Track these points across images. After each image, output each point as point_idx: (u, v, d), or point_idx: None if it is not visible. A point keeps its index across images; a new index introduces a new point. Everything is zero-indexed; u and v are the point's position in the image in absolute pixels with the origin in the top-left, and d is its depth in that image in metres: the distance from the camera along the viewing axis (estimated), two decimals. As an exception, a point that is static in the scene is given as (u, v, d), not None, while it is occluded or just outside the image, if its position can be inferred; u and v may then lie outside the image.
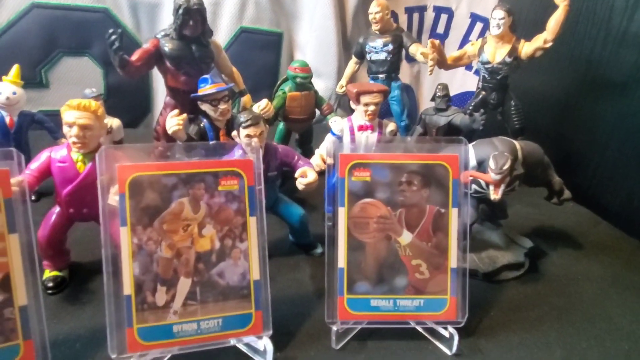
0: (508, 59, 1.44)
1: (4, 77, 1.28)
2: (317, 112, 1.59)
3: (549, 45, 1.39)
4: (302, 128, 1.60)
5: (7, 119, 1.30)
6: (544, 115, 1.76)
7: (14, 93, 1.28)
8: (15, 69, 1.29)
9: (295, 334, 0.96)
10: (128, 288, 0.82)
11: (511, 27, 1.44)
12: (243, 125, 1.06)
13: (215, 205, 0.87)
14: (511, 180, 1.03)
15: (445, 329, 0.93)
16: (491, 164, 0.96)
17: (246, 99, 1.44)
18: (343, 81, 1.73)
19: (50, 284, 1.05)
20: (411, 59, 2.22)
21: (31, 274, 0.79)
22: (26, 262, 0.78)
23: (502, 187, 0.98)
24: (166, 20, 1.80)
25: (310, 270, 1.18)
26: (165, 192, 0.84)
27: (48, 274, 1.07)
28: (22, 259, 0.78)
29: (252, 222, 0.88)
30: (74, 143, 0.97)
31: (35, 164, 0.98)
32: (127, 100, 1.81)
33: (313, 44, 2.05)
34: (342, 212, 0.92)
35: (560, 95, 1.72)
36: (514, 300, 1.08)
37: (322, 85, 2.00)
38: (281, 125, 1.59)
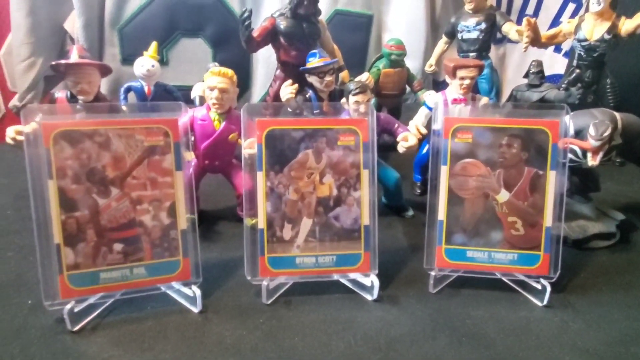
0: (607, 36, 1.44)
1: (144, 52, 1.51)
2: (407, 88, 1.69)
3: (652, 22, 1.37)
4: (393, 103, 1.70)
5: (146, 89, 1.53)
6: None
7: (153, 66, 1.50)
8: (154, 45, 1.52)
9: (395, 278, 1.07)
10: (261, 223, 0.99)
11: (612, 4, 1.44)
12: (353, 92, 1.19)
13: (335, 157, 1.00)
14: (609, 150, 1.07)
15: (537, 282, 1.00)
16: (591, 130, 1.01)
17: (344, 74, 1.57)
18: (432, 60, 1.80)
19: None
20: (498, 41, 2.23)
21: (190, 206, 0.97)
22: (187, 195, 0.97)
23: (601, 154, 1.03)
24: (268, 8, 1.98)
25: (403, 229, 1.29)
26: (294, 144, 0.99)
27: (183, 216, 1.27)
28: (184, 192, 0.96)
29: (365, 174, 1.01)
30: (214, 104, 1.15)
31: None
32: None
33: (402, 24, 2.13)
34: (444, 170, 1.02)
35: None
36: (605, 266, 1.12)
37: (409, 65, 2.08)
38: (373, 100, 1.70)
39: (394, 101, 1.68)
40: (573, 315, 0.96)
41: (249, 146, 0.99)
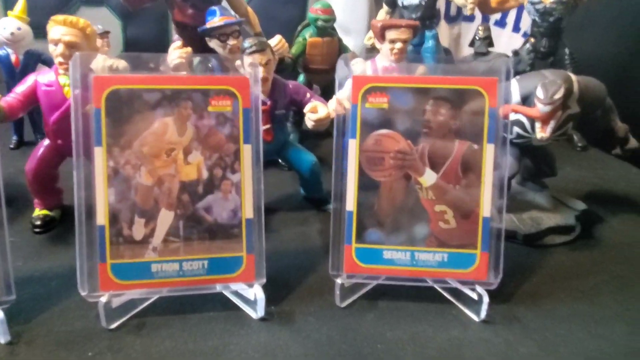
0: (564, -4, 1.24)
1: (9, 12, 1.23)
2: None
3: (615, -22, 1.17)
4: (325, 80, 1.46)
5: (13, 57, 1.24)
6: (602, 77, 1.53)
7: (19, 29, 1.22)
8: (21, 3, 1.24)
9: (295, 288, 0.83)
10: (102, 217, 0.72)
11: (569, -40, 1.23)
12: (247, 51, 0.94)
13: (204, 128, 0.75)
14: (564, 121, 0.85)
15: (473, 290, 0.76)
16: (539, 93, 0.79)
17: (262, 42, 1.32)
18: (372, 32, 1.56)
19: (38, 222, 0.98)
20: (451, 19, 2.03)
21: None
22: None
23: (552, 124, 0.81)
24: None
25: (319, 225, 1.05)
26: (147, 110, 0.73)
27: (37, 212, 1.00)
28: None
29: (246, 150, 0.76)
30: (60, 63, 0.88)
31: (21, 88, 0.91)
32: (146, 55, 1.75)
33: (342, -3, 1.90)
34: (352, 145, 0.77)
35: (621, 55, 1.49)
36: (563, 267, 0.90)
37: (351, 43, 1.85)
38: (301, 77, 1.46)
39: (326, 77, 1.44)
40: (521, 335, 0.74)
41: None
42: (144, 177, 0.73)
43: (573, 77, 0.86)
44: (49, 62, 1.30)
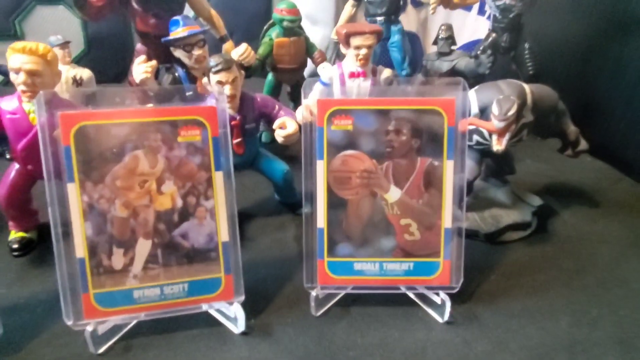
0: (523, -6, 1.27)
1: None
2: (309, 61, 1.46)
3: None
4: (293, 79, 1.47)
5: (-30, 70, 1.20)
6: (562, 61, 1.59)
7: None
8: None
9: (273, 299, 0.88)
10: (81, 250, 0.75)
11: (528, -44, 1.26)
12: (213, 70, 0.94)
13: (175, 158, 0.77)
14: (518, 129, 0.90)
15: (437, 294, 0.83)
16: (494, 109, 0.83)
17: (228, 46, 1.31)
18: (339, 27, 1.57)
19: (16, 246, 0.99)
20: (417, 4, 2.03)
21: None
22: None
23: (507, 136, 0.86)
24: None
25: (295, 231, 1.09)
26: (117, 144, 0.75)
27: (14, 234, 1.00)
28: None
29: (218, 177, 0.79)
30: (23, 92, 0.87)
31: (-16, 116, 0.89)
32: (109, 53, 1.70)
33: (308, -14, 1.87)
34: (320, 166, 0.81)
35: (581, 38, 1.53)
36: (518, 264, 0.98)
37: (319, 33, 1.85)
38: (270, 76, 1.46)
39: (294, 76, 1.45)
40: (478, 333, 0.81)
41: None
42: (119, 210, 0.76)
43: (527, 88, 0.91)
44: (6, 73, 1.26)
